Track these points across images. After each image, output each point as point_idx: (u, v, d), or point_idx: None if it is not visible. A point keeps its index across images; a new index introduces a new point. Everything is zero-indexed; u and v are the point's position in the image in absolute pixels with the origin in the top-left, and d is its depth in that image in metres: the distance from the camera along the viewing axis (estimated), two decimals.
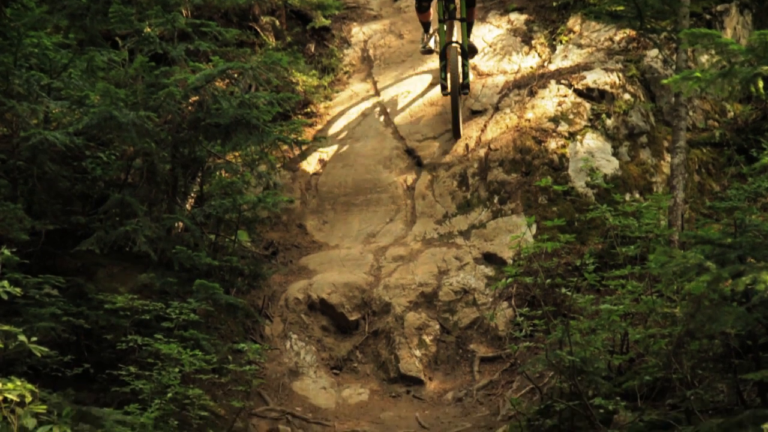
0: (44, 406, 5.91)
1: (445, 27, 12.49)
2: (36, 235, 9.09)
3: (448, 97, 12.53)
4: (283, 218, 12.25)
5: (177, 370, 8.67)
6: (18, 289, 6.71)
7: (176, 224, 10.20)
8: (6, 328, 6.50)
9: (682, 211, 9.67)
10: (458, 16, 12.41)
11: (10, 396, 5.70)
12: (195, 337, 9.20)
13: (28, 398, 5.78)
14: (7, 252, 7.33)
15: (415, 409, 10.16)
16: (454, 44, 12.28)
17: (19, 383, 5.76)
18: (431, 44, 13.25)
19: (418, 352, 10.34)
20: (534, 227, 11.00)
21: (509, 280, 8.99)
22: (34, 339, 6.29)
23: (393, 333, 10.69)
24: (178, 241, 9.97)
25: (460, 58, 12.29)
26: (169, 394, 8.48)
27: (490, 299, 10.83)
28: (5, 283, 6.57)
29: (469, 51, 12.78)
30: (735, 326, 6.31)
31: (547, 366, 8.52)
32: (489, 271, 11.05)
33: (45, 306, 8.45)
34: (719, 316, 6.28)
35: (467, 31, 12.64)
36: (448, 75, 12.33)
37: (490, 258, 11.07)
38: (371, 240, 11.81)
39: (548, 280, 8.67)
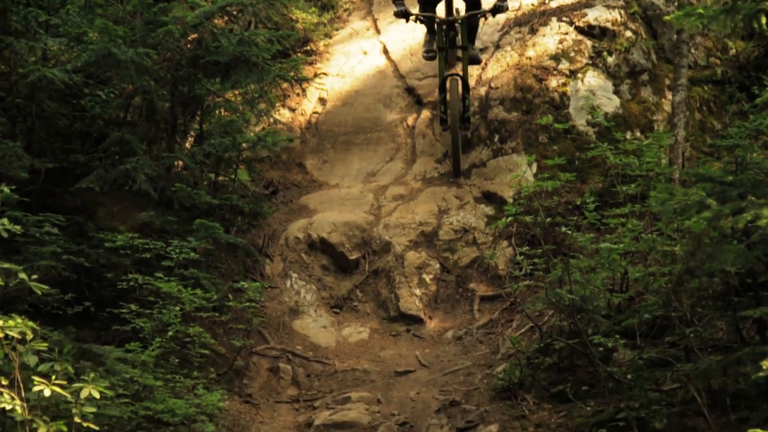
0: (45, 344, 5.92)
1: (444, 55, 11.43)
2: (35, 173, 9.07)
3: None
4: (283, 157, 12.21)
5: (177, 308, 8.70)
6: (18, 227, 6.70)
7: (176, 163, 10.18)
8: (6, 265, 6.50)
9: (682, 149, 9.64)
10: (459, 43, 11.41)
11: (11, 333, 5.71)
12: (195, 276, 9.22)
13: (29, 335, 5.79)
14: (6, 190, 7.31)
15: (415, 347, 10.20)
16: (454, 76, 11.24)
17: (20, 321, 5.76)
18: (432, 47, 11.97)
19: (418, 291, 10.36)
20: (534, 166, 10.98)
21: (509, 219, 8.98)
22: (34, 277, 6.28)
23: (393, 272, 10.70)
24: (177, 179, 9.95)
25: (461, 91, 11.27)
26: (170, 333, 8.52)
27: (490, 238, 10.83)
28: (5, 221, 6.56)
29: (471, 61, 11.74)
30: (735, 264, 6.30)
31: (547, 304, 8.55)
32: (489, 210, 11.04)
33: (45, 244, 8.45)
34: (719, 253, 6.28)
35: (470, 35, 11.68)
36: (448, 109, 11.28)
37: (490, 197, 11.05)
38: (371, 179, 11.79)
39: (548, 219, 8.67)
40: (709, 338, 7.25)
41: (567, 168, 9.65)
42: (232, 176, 10.85)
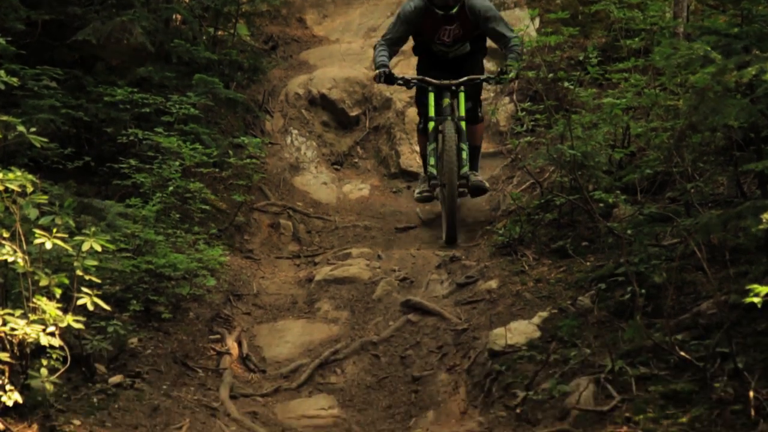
0: (45, 197, 5.92)
1: (434, 99, 9.43)
2: (32, 25, 8.95)
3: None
4: (282, 11, 12.05)
5: (177, 163, 8.68)
6: (15, 80, 6.63)
7: (174, 16, 10.03)
8: (5, 118, 6.45)
9: (687, 2, 9.47)
10: (456, 114, 9.39)
11: (11, 186, 5.70)
12: (195, 131, 9.18)
13: (30, 189, 5.78)
14: (2, 41, 7.21)
15: (415, 204, 10.22)
16: (449, 120, 9.22)
17: (19, 173, 5.74)
18: (428, 188, 9.80)
19: (418, 147, 10.32)
20: (537, 21, 10.83)
21: (511, 74, 8.88)
22: (33, 130, 6.24)
23: (394, 128, 10.66)
24: (176, 34, 9.83)
25: (456, 138, 9.21)
26: (170, 188, 8.52)
27: (492, 94, 10.74)
28: (2, 72, 6.49)
29: (472, 191, 9.57)
30: (738, 118, 6.24)
31: (548, 160, 8.51)
32: (491, 65, 10.93)
33: (44, 98, 8.40)
34: (722, 108, 6.21)
35: (471, 156, 9.51)
36: (444, 160, 9.14)
37: (492, 52, 10.91)
38: (372, 34, 11.64)
39: (551, 75, 8.55)
40: (710, 193, 7.24)
41: (570, 22, 9.53)
42: (231, 31, 10.71)
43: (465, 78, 9.31)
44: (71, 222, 6.12)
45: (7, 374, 5.54)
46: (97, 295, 5.86)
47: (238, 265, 9.14)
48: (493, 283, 8.03)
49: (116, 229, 7.46)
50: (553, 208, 8.48)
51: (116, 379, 6.79)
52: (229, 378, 7.39)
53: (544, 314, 7.24)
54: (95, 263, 5.99)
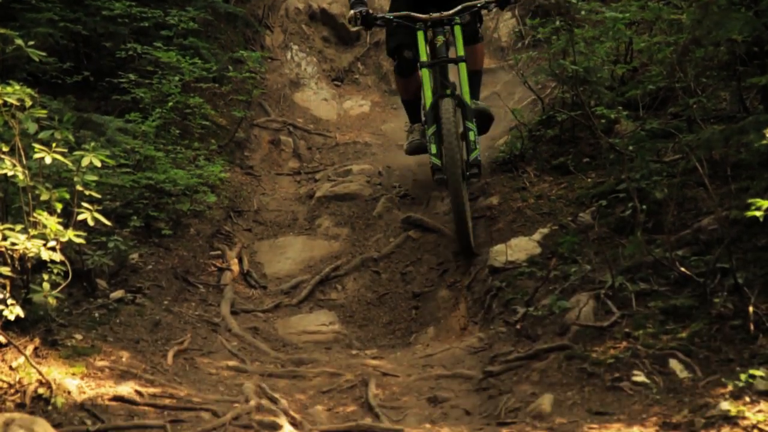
0: (45, 111, 5.87)
1: (431, 74, 7.57)
2: None
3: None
4: None
5: (177, 78, 8.61)
6: None
7: None
8: (3, 31, 6.38)
9: None
10: (454, 54, 7.63)
11: (9, 100, 5.65)
12: (194, 46, 9.10)
13: (28, 102, 5.73)
14: None
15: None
16: (447, 98, 7.44)
17: (18, 87, 5.69)
18: (419, 137, 8.24)
19: None
20: None
21: None
22: (31, 43, 6.17)
23: None
24: None
25: (460, 118, 7.55)
26: (170, 103, 8.46)
27: (494, 9, 10.63)
28: None
29: (478, 118, 7.91)
30: (742, 32, 6.17)
31: (550, 76, 8.45)
32: None
33: (42, 11, 8.30)
34: (726, 21, 6.14)
35: (471, 84, 7.76)
36: (443, 149, 7.35)
37: None
38: None
39: None
40: (713, 109, 7.19)
41: None
42: None
43: (459, 7, 7.52)
44: (71, 137, 6.09)
45: (8, 288, 5.55)
46: (97, 211, 5.85)
47: (238, 181, 9.12)
48: (493, 200, 8.02)
49: (116, 144, 7.43)
50: (555, 124, 8.43)
51: (117, 294, 6.80)
52: (230, 294, 7.42)
53: (545, 231, 7.24)
54: (95, 178, 5.97)
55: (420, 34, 7.51)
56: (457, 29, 7.50)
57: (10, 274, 5.54)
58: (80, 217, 5.78)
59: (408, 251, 7.89)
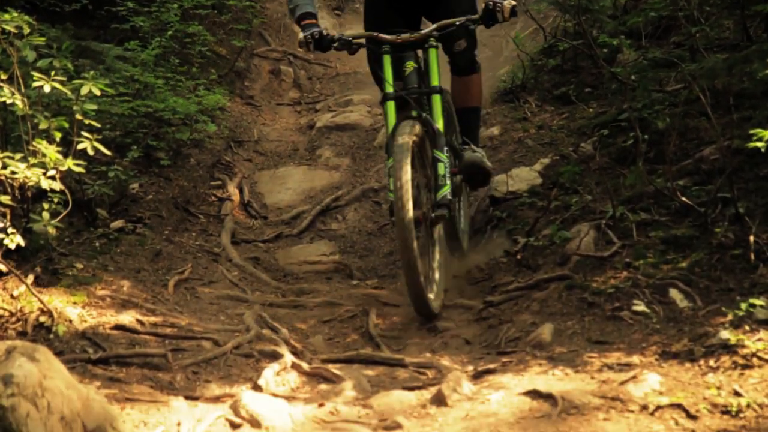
0: (43, 39, 5.82)
1: (396, 108, 6.02)
2: None
3: None
4: None
5: (176, 5, 8.54)
6: None
7: None
8: None
9: None
10: (427, 84, 6.13)
11: (7, 27, 5.60)
12: None
13: (27, 30, 5.68)
14: None
15: None
16: (408, 120, 5.85)
17: (15, 14, 5.63)
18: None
19: None
20: None
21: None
22: None
23: None
24: None
25: (427, 147, 6.00)
26: (169, 32, 8.40)
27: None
28: None
29: (471, 175, 6.49)
30: None
31: (552, 5, 8.38)
32: None
33: None
34: None
35: (466, 124, 6.50)
36: (390, 183, 5.64)
37: None
38: None
39: None
40: (716, 37, 7.13)
41: None
42: None
43: (434, 27, 6.05)
44: (69, 65, 6.04)
45: (8, 217, 5.55)
46: (97, 140, 5.82)
47: (238, 111, 9.08)
48: (495, 130, 7.99)
49: (115, 73, 7.39)
50: (557, 53, 8.38)
51: (118, 224, 6.80)
52: (231, 224, 7.42)
53: (546, 161, 7.23)
54: (94, 107, 5.93)
55: (386, 60, 5.90)
56: (432, 54, 5.97)
57: (10, 202, 5.53)
58: (80, 147, 5.75)
59: None
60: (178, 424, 4.40)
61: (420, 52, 6.13)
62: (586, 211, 6.36)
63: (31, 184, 5.51)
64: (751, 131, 5.14)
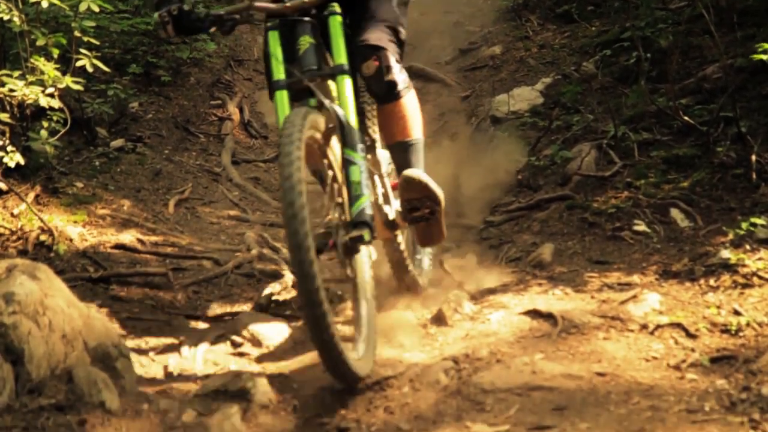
0: None
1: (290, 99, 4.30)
2: None
3: None
4: None
5: None
6: None
7: None
8: None
9: None
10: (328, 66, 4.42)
11: None
12: None
13: None
14: None
15: None
16: (304, 108, 4.06)
17: None
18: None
19: None
20: None
21: None
22: None
23: None
24: None
25: (334, 145, 4.29)
26: None
27: None
28: None
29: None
30: None
31: None
32: None
33: None
34: None
35: (400, 156, 4.60)
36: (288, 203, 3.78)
37: None
38: None
39: None
40: None
41: None
42: None
43: None
44: None
45: (7, 135, 5.53)
46: (96, 58, 5.77)
47: (238, 29, 8.99)
48: (496, 49, 7.93)
49: None
50: None
51: (118, 143, 6.78)
52: (231, 143, 7.39)
53: (548, 80, 7.19)
54: (93, 24, 5.88)
55: (273, 37, 4.24)
56: (334, 23, 4.25)
57: (9, 120, 5.51)
58: (78, 64, 5.71)
59: None
60: (180, 343, 4.42)
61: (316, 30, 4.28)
62: (587, 131, 6.34)
63: (29, 101, 5.48)
64: (756, 45, 5.10)
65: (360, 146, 4.11)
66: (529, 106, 6.96)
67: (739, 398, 3.44)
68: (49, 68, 5.46)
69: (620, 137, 6.01)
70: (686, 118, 5.78)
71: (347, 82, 4.20)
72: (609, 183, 5.73)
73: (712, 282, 4.42)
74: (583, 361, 3.90)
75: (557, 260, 5.19)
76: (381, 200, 4.60)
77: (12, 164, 5.38)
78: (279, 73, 4.18)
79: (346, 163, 4.09)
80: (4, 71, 5.43)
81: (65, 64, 5.70)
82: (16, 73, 5.44)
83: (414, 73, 8.00)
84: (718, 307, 4.18)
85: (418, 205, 4.42)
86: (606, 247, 5.22)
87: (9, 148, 5.40)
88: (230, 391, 3.89)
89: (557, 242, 5.36)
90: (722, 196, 5.27)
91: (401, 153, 4.50)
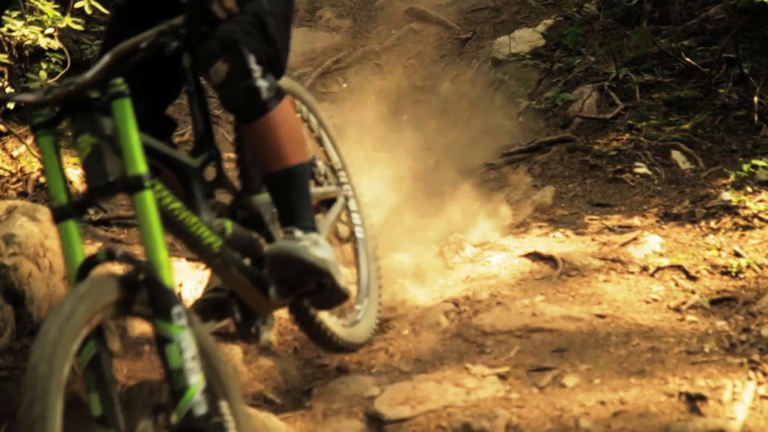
0: None
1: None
2: None
3: None
4: None
5: None
6: None
7: None
8: None
9: None
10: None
11: None
12: None
13: None
14: None
15: None
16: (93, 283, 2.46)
17: None
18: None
19: None
20: None
21: None
22: None
23: None
24: None
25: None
26: None
27: None
28: None
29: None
30: None
31: None
32: None
33: None
34: None
35: (279, 197, 3.38)
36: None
37: None
38: None
39: None
40: None
41: None
42: None
43: (107, 59, 2.67)
44: None
45: (6, 76, 5.51)
46: None
47: None
48: None
49: None
50: None
51: None
52: None
53: (549, 22, 7.14)
54: None
55: (44, 142, 2.67)
56: (122, 110, 2.66)
57: (8, 61, 5.48)
58: (77, 5, 5.68)
59: (410, 44, 7.78)
60: (180, 285, 4.42)
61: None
62: (589, 73, 6.30)
63: (28, 42, 5.45)
64: None
65: (176, 309, 2.53)
66: (531, 48, 6.92)
67: (739, 339, 3.46)
68: (48, 8, 5.43)
69: (622, 79, 5.98)
70: (688, 59, 5.76)
71: (150, 201, 2.64)
72: (610, 125, 5.72)
73: (712, 224, 4.42)
74: (583, 303, 3.91)
75: (558, 203, 5.18)
76: None
77: (11, 105, 5.36)
78: (59, 194, 2.61)
79: (160, 342, 2.54)
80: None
81: (64, 5, 5.66)
82: (15, 14, 5.41)
83: (415, 15, 7.97)
84: (719, 249, 4.18)
85: (296, 283, 3.31)
86: (607, 189, 5.22)
87: (8, 89, 5.37)
88: (231, 332, 3.90)
89: (558, 185, 5.35)
90: (724, 137, 5.26)
91: (278, 190, 3.32)
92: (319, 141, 3.96)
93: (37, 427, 2.10)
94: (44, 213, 3.69)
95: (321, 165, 3.78)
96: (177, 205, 2.97)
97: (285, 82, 3.22)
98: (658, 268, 4.10)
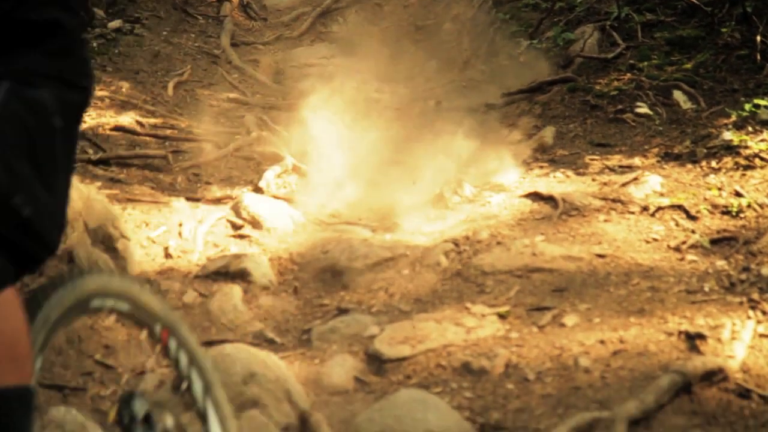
0: None
1: None
2: None
3: None
4: None
5: None
6: None
7: None
8: None
9: None
10: None
11: None
12: None
13: None
14: None
15: None
16: None
17: None
18: None
19: None
20: None
21: None
22: None
23: None
24: None
25: None
26: None
27: None
28: None
29: None
30: None
31: None
32: None
33: None
34: None
35: None
36: None
37: None
38: None
39: None
40: None
41: None
42: None
43: None
44: None
45: None
46: None
47: None
48: None
49: None
50: None
51: (115, 24, 6.70)
52: (230, 26, 7.31)
53: None
54: None
55: None
56: None
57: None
58: None
59: None
60: (180, 225, 4.42)
61: None
62: (590, 12, 6.26)
63: None
64: None
65: None
66: None
67: (739, 279, 3.46)
68: None
69: (623, 18, 5.94)
70: None
71: None
72: (612, 65, 5.68)
73: (713, 164, 4.41)
74: (583, 243, 3.91)
75: (558, 143, 5.16)
76: None
77: None
78: None
79: None
80: None
81: None
82: None
83: None
84: (719, 189, 4.17)
85: None
86: (608, 129, 5.19)
87: None
88: (231, 272, 3.91)
89: (559, 125, 5.33)
90: (725, 77, 5.22)
91: None
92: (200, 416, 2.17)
93: None
94: None
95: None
96: None
97: (159, 307, 2.09)
98: (659, 208, 4.10)
